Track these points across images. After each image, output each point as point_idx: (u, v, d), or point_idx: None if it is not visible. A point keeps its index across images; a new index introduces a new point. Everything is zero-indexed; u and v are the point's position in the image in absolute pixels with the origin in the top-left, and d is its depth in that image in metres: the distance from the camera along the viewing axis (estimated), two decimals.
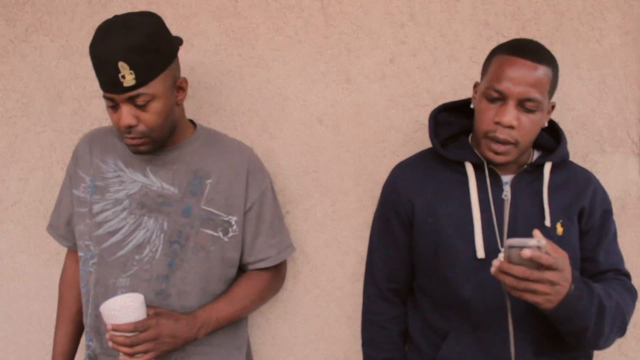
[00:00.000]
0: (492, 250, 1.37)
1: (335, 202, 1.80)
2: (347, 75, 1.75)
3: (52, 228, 1.69)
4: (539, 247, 1.12)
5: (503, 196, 1.40)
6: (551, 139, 1.48)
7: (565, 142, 1.46)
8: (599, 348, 1.33)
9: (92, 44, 1.35)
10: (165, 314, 1.42)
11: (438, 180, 1.46)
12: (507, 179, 1.42)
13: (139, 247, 1.48)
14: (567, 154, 1.45)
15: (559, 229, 1.38)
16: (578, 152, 1.68)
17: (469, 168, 1.42)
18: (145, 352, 1.37)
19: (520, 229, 1.37)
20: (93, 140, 1.58)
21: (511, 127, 1.30)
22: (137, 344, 1.35)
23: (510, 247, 1.15)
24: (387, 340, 1.54)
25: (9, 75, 1.94)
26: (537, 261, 1.12)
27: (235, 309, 1.55)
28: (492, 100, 1.33)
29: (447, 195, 1.43)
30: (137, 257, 1.48)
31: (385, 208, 1.53)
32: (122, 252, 1.48)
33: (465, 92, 1.69)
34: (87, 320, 1.54)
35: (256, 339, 1.88)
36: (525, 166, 1.41)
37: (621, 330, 1.34)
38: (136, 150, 1.43)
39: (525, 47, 1.32)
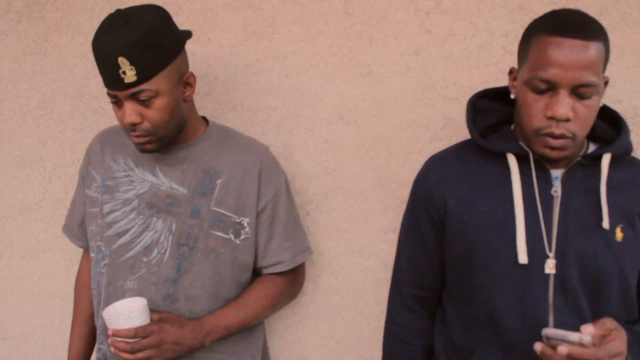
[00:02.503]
0: (537, 255, 1.19)
1: (356, 203, 1.70)
2: (369, 68, 1.65)
3: (67, 228, 1.68)
4: (581, 344, 1.00)
5: (552, 192, 1.21)
6: (609, 128, 1.28)
7: (628, 132, 1.25)
8: None
9: (93, 39, 1.32)
10: (170, 319, 1.37)
11: (476, 174, 1.29)
12: (557, 173, 1.23)
13: (147, 249, 1.44)
14: (630, 146, 1.25)
15: (619, 234, 1.19)
16: None
17: (512, 160, 1.24)
18: (148, 358, 1.32)
19: (572, 232, 1.20)
20: (105, 139, 1.56)
21: (567, 120, 1.12)
22: (139, 350, 1.30)
23: (547, 337, 1.04)
24: (408, 354, 1.42)
25: (32, 74, 1.94)
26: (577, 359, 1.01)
27: (245, 316, 1.48)
28: (539, 91, 1.15)
29: (485, 190, 1.26)
30: (145, 259, 1.44)
31: (415, 204, 1.38)
32: (130, 254, 1.45)
33: (498, 85, 1.55)
34: (98, 323, 1.51)
35: (275, 345, 1.81)
36: (579, 158, 1.21)
37: None
38: (143, 149, 1.39)
39: (570, 22, 1.12)
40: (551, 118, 1.13)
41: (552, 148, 1.16)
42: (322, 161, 1.71)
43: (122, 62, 1.27)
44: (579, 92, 1.11)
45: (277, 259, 1.52)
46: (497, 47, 1.56)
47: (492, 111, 1.33)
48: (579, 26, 1.11)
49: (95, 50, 1.31)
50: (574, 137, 1.14)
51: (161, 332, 1.33)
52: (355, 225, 1.71)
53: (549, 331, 1.04)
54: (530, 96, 1.16)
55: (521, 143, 1.25)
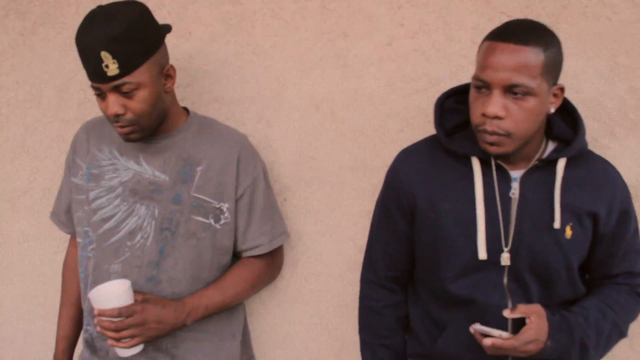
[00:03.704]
0: (495, 251, 1.30)
1: (333, 189, 1.76)
2: (344, 60, 1.71)
3: (54, 215, 1.74)
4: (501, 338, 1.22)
5: (510, 194, 1.31)
6: (569, 129, 1.35)
7: (584, 133, 1.33)
8: None
9: (77, 34, 1.37)
10: (152, 300, 1.43)
11: (443, 172, 1.37)
12: (517, 174, 1.32)
13: (131, 234, 1.50)
14: (584, 146, 1.33)
15: (568, 232, 1.30)
16: (587, 136, 1.58)
17: (475, 162, 1.33)
18: (131, 337, 1.38)
19: (527, 230, 1.30)
20: (90, 129, 1.61)
21: (497, 117, 1.20)
22: (123, 329, 1.37)
23: (476, 331, 1.25)
24: (383, 326, 1.51)
25: (20, 67, 1.99)
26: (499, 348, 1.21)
27: (225, 296, 1.55)
28: (479, 90, 1.23)
29: (450, 190, 1.35)
30: (129, 243, 1.50)
31: (387, 195, 1.47)
32: (115, 239, 1.51)
33: (466, 76, 1.62)
34: (85, 305, 1.59)
35: (255, 327, 1.88)
36: (536, 162, 1.30)
37: (621, 338, 1.36)
38: (127, 138, 1.44)
39: (510, 29, 1.21)
40: (484, 115, 1.21)
41: (490, 144, 1.24)
42: (299, 150, 1.78)
43: (105, 56, 1.33)
44: (512, 92, 1.19)
45: (255, 242, 1.59)
46: (466, 40, 1.62)
47: (458, 111, 1.40)
48: (517, 32, 1.19)
49: (78, 45, 1.36)
50: (508, 134, 1.21)
51: (144, 311, 1.39)
52: (331, 210, 1.77)
53: (477, 327, 1.25)
54: (474, 94, 1.26)
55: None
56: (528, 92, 1.19)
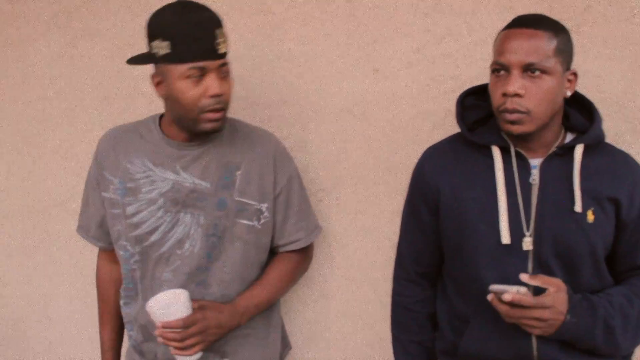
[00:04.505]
0: (517, 235, 1.36)
1: (367, 190, 1.84)
2: (374, 65, 1.79)
3: (82, 229, 1.72)
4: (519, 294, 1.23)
5: (530, 180, 1.37)
6: (585, 120, 1.43)
7: (600, 122, 1.41)
8: (622, 354, 1.39)
9: (182, 16, 1.37)
10: (209, 306, 1.48)
11: (465, 164, 1.45)
12: (536, 162, 1.39)
13: (180, 242, 1.53)
14: (601, 135, 1.40)
15: (590, 217, 1.35)
16: (610, 134, 1.64)
17: (496, 151, 1.40)
18: (195, 344, 1.43)
19: (548, 215, 1.36)
20: (115, 142, 1.58)
21: (517, 95, 1.28)
22: (187, 338, 1.41)
23: (494, 292, 1.26)
24: (414, 322, 1.58)
25: (63, 78, 2.09)
26: (517, 304, 1.22)
27: (271, 293, 1.62)
28: (498, 74, 1.33)
29: (473, 179, 1.42)
30: (178, 252, 1.53)
31: (413, 192, 1.55)
32: (164, 249, 1.53)
33: None
34: (130, 311, 1.63)
35: (293, 323, 1.97)
36: (555, 149, 1.37)
37: None
38: (213, 128, 1.44)
39: (522, 18, 1.33)
40: (505, 95, 1.30)
41: (511, 122, 1.31)
42: (334, 152, 1.86)
43: (219, 33, 1.40)
44: (529, 72, 1.28)
45: (293, 237, 1.65)
46: (491, 43, 1.69)
47: (478, 107, 1.49)
48: (529, 19, 1.32)
49: (188, 22, 1.36)
50: (528, 112, 1.29)
51: (205, 319, 1.44)
52: (365, 209, 1.85)
53: (494, 286, 1.27)
54: (492, 80, 1.35)
55: (504, 135, 1.40)
56: (544, 71, 1.28)
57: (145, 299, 1.53)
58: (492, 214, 1.38)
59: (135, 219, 1.54)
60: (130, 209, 1.54)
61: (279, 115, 1.88)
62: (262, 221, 1.58)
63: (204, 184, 1.53)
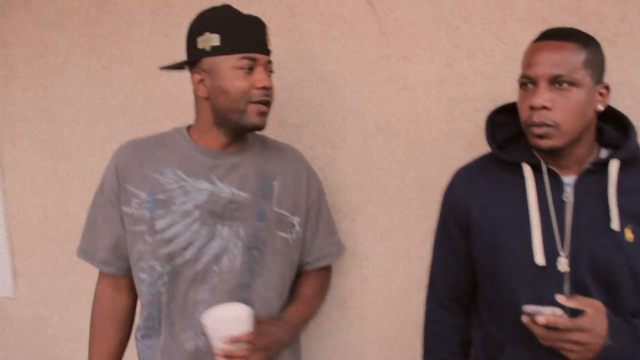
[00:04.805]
0: (551, 255, 1.31)
1: (400, 209, 1.81)
2: (405, 82, 1.76)
3: (86, 254, 1.56)
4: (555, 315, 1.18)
5: (564, 198, 1.33)
6: (620, 135, 1.38)
7: (635, 136, 1.35)
8: None
9: (231, 12, 1.42)
10: (266, 322, 1.44)
11: (496, 184, 1.41)
12: (569, 179, 1.34)
13: (216, 258, 1.44)
14: (637, 150, 1.34)
15: (629, 235, 1.29)
16: None
17: (526, 169, 1.36)
18: None
19: (584, 233, 1.30)
20: (138, 153, 1.49)
21: (545, 108, 1.25)
22: (255, 353, 1.37)
23: (528, 313, 1.21)
24: (445, 349, 1.54)
25: (97, 102, 2.12)
26: (553, 326, 1.16)
27: (311, 310, 1.62)
28: (525, 88, 1.30)
29: (504, 198, 1.39)
30: (215, 268, 1.45)
31: (444, 214, 1.52)
32: (199, 266, 1.44)
33: None
34: (161, 342, 1.50)
35: (326, 346, 1.94)
36: (589, 165, 1.32)
37: None
38: (258, 123, 1.43)
39: (551, 31, 1.31)
40: (532, 108, 1.27)
41: (539, 137, 1.28)
42: (366, 171, 1.84)
43: (266, 32, 1.45)
44: (557, 84, 1.25)
45: (324, 252, 1.64)
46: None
47: (508, 125, 1.45)
48: (557, 32, 1.29)
49: (237, 17, 1.40)
50: (556, 125, 1.26)
51: (268, 333, 1.41)
52: (398, 230, 1.82)
53: (528, 307, 1.21)
54: (521, 94, 1.33)
55: (535, 152, 1.36)
56: (572, 83, 1.25)
57: (172, 326, 1.46)
58: (525, 234, 1.33)
59: (167, 234, 1.44)
60: (161, 223, 1.44)
61: (309, 134, 1.87)
62: (293, 235, 1.55)
63: (243, 195, 1.47)
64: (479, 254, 1.43)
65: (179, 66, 1.50)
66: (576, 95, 1.25)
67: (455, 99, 1.72)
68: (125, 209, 1.48)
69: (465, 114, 1.72)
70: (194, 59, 1.43)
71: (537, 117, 1.27)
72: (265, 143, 1.60)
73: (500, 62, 1.67)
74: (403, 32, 1.75)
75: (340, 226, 1.86)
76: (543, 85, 1.26)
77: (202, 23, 1.42)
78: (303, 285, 1.63)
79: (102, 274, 1.59)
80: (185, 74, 1.89)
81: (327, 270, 1.68)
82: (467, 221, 1.45)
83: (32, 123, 2.28)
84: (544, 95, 1.25)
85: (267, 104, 1.43)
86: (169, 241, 1.44)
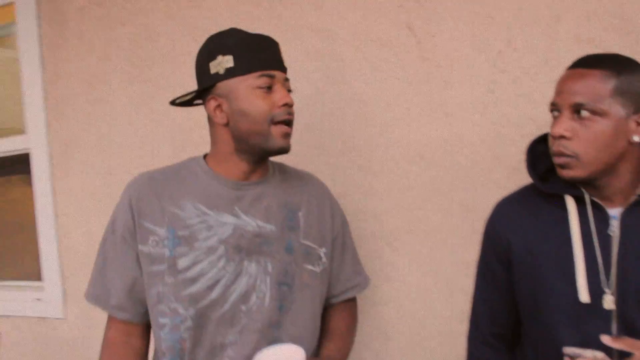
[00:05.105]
0: (597, 292, 1.23)
1: (440, 238, 1.75)
2: (446, 108, 1.71)
3: (98, 299, 1.42)
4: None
5: (609, 232, 1.24)
6: None
7: None
8: None
9: (242, 33, 1.37)
10: None
11: (538, 216, 1.34)
12: (615, 212, 1.26)
13: (244, 297, 1.34)
14: None
15: None
16: None
17: (569, 201, 1.29)
18: None
19: (632, 269, 1.21)
20: (154, 186, 1.38)
21: (562, 137, 1.21)
22: None
23: (568, 355, 1.15)
24: None
25: (143, 129, 2.16)
26: None
27: (348, 346, 1.55)
28: (553, 115, 1.26)
29: (546, 232, 1.31)
30: (244, 307, 1.34)
31: (486, 247, 1.45)
32: (227, 306, 1.34)
33: None
34: None
35: None
36: (636, 197, 1.24)
37: None
38: (284, 145, 1.36)
39: (583, 58, 1.25)
40: (553, 137, 1.23)
41: (561, 167, 1.23)
42: (406, 199, 1.79)
43: (279, 50, 1.39)
44: (579, 113, 1.19)
45: (352, 282, 1.56)
46: None
47: (549, 155, 1.37)
48: (588, 60, 1.24)
49: (249, 37, 1.34)
50: (575, 156, 1.20)
51: None
52: (439, 259, 1.76)
53: (568, 350, 1.16)
54: (551, 123, 1.28)
55: (579, 185, 1.28)
56: (596, 113, 1.18)
57: None
58: (569, 270, 1.25)
59: (191, 273, 1.33)
60: (184, 262, 1.33)
61: (348, 161, 1.84)
62: (320, 268, 1.46)
63: (269, 227, 1.39)
64: (521, 289, 1.36)
65: (192, 97, 1.44)
66: (600, 125, 1.18)
67: (498, 125, 1.66)
68: (141, 247, 1.35)
69: (509, 141, 1.65)
70: (208, 85, 1.36)
71: (557, 146, 1.23)
72: (285, 171, 1.52)
73: (547, 86, 1.60)
74: (444, 56, 1.70)
75: (380, 254, 1.82)
76: (565, 113, 1.22)
77: (213, 47, 1.36)
78: (334, 319, 1.55)
79: (112, 319, 1.43)
80: None
81: (354, 302, 1.60)
82: (508, 255, 1.38)
83: (83, 150, 2.34)
84: (563, 125, 1.21)
85: (290, 123, 1.36)
86: (193, 281, 1.33)
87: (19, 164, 2.55)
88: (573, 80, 1.22)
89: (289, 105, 1.34)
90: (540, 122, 1.61)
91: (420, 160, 1.76)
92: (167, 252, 1.34)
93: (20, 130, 2.57)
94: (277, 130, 1.34)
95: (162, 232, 1.35)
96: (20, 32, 2.47)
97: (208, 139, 2.02)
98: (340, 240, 1.53)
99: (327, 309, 1.56)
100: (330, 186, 1.84)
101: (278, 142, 1.34)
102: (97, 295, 1.41)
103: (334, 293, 1.54)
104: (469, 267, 1.71)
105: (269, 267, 1.37)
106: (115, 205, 1.43)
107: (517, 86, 1.63)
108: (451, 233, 1.74)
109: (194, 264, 1.33)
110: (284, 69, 1.37)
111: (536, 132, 1.61)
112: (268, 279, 1.37)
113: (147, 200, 1.36)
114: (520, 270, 1.35)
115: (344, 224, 1.56)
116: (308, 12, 1.87)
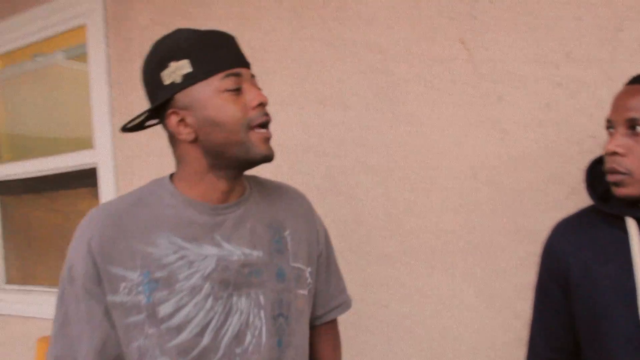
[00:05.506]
0: None
1: (494, 260, 1.68)
2: (501, 124, 1.64)
3: None
4: None
5: None
6: None
7: None
8: None
9: (194, 32, 1.17)
10: None
11: (598, 239, 1.27)
12: None
13: (238, 337, 1.17)
14: None
15: None
16: None
17: (631, 223, 1.21)
18: None
19: None
20: (118, 223, 1.16)
21: (615, 153, 1.17)
22: None
23: None
24: None
25: None
26: None
27: None
28: (609, 132, 1.22)
29: (606, 255, 1.24)
30: (238, 350, 1.17)
31: (543, 270, 1.39)
32: (220, 353, 1.16)
33: None
34: None
35: None
36: None
37: None
38: (267, 152, 1.17)
39: None
40: (607, 154, 1.20)
41: (614, 184, 1.19)
42: (459, 218, 1.73)
43: (239, 44, 1.21)
44: (633, 128, 1.16)
45: (338, 300, 1.41)
46: None
47: None
48: None
49: (204, 36, 1.16)
50: (629, 173, 1.16)
51: None
52: (493, 281, 1.69)
53: None
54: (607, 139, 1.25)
55: None
56: None
57: None
58: (630, 295, 1.18)
59: (176, 320, 1.13)
60: (165, 308, 1.13)
61: (399, 180, 1.80)
62: (307, 289, 1.30)
63: (256, 254, 1.21)
64: (579, 314, 1.29)
65: (145, 118, 1.25)
66: None
67: (555, 142, 1.58)
68: (111, 298, 1.13)
69: (568, 159, 1.57)
70: (165, 98, 1.15)
71: (610, 163, 1.19)
72: (262, 185, 1.33)
73: (607, 101, 1.50)
74: (498, 71, 1.64)
75: (432, 275, 1.77)
76: (620, 130, 1.18)
77: (162, 54, 1.15)
78: (321, 344, 1.41)
79: None
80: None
81: (335, 323, 1.44)
82: (567, 280, 1.31)
83: (147, 163, 2.41)
84: (617, 141, 1.18)
85: (268, 125, 1.17)
86: (179, 329, 1.13)
87: (87, 178, 2.66)
88: (628, 96, 1.18)
89: (263, 105, 1.16)
90: (600, 139, 1.52)
91: (474, 179, 1.69)
92: (143, 299, 1.13)
93: (86, 140, 2.68)
94: (256, 136, 1.15)
95: (134, 276, 1.13)
96: (90, 51, 2.59)
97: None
98: (324, 256, 1.37)
99: (309, 332, 1.38)
100: (381, 205, 1.82)
101: (260, 149, 1.15)
102: (60, 356, 1.16)
103: (317, 314, 1.38)
104: (524, 290, 1.63)
105: (262, 300, 1.20)
106: (69, 248, 1.18)
107: (576, 101, 1.55)
108: (506, 255, 1.67)
109: (178, 309, 1.14)
110: (248, 65, 1.19)
111: (596, 150, 1.53)
112: (262, 313, 1.20)
113: (111, 241, 1.14)
114: (579, 294, 1.28)
115: (327, 237, 1.40)
116: (359, 28, 1.85)
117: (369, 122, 1.84)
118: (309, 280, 1.30)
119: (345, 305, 1.43)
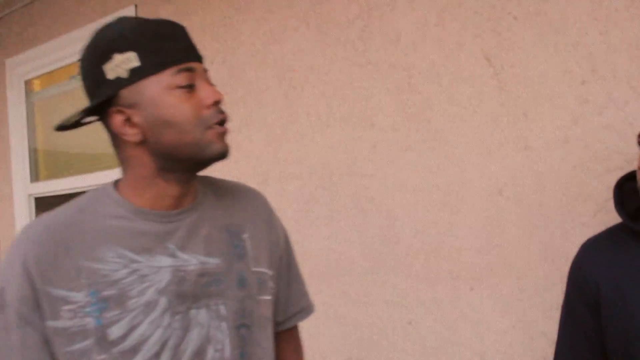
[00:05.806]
0: None
1: (521, 279, 1.65)
2: (526, 142, 1.63)
3: None
4: None
5: None
6: None
7: None
8: None
9: (140, 22, 1.07)
10: None
11: (628, 258, 1.24)
12: None
13: (199, 354, 1.07)
14: None
15: None
16: None
17: None
18: None
19: None
20: (58, 238, 1.03)
21: None
22: None
23: None
24: None
25: (230, 164, 2.23)
26: None
27: None
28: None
29: (638, 275, 1.21)
30: None
31: (571, 290, 1.36)
32: None
33: None
34: None
35: None
36: None
37: None
38: (224, 150, 1.09)
39: None
40: (639, 169, 1.15)
41: None
42: (485, 237, 1.71)
43: (190, 36, 1.10)
44: None
45: (300, 306, 1.31)
46: None
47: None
48: None
49: (152, 26, 1.05)
50: None
51: None
52: (520, 301, 1.66)
53: None
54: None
55: None
56: None
57: None
58: None
59: (129, 342, 1.02)
60: (117, 330, 1.02)
61: (425, 198, 1.80)
62: (270, 294, 1.21)
63: (214, 261, 1.11)
64: (610, 336, 1.25)
65: (83, 114, 1.11)
66: None
67: (582, 159, 1.55)
68: (51, 323, 1.00)
69: (596, 176, 1.54)
70: (108, 95, 1.04)
71: None
72: (217, 185, 1.23)
73: (635, 116, 1.48)
74: (523, 87, 1.63)
75: (457, 294, 1.75)
76: None
77: (104, 45, 1.03)
78: (284, 353, 1.30)
79: None
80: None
81: (297, 329, 1.34)
82: (596, 299, 1.27)
83: None
84: None
85: (224, 123, 1.09)
86: (133, 351, 1.02)
87: None
88: None
89: (218, 103, 1.07)
90: (628, 156, 1.49)
91: (500, 196, 1.68)
92: (91, 321, 1.01)
93: (108, 156, 2.73)
94: (213, 133, 1.05)
95: (79, 297, 1.01)
96: None
97: (285, 174, 2.07)
98: (285, 258, 1.27)
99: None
100: (407, 222, 1.82)
101: (217, 146, 1.06)
102: None
103: (279, 320, 1.27)
104: (550, 309, 1.61)
105: (222, 310, 1.10)
106: None
107: (603, 117, 1.52)
108: (532, 273, 1.64)
109: (131, 329, 1.02)
110: (201, 59, 1.09)
111: (624, 167, 1.50)
112: (224, 325, 1.10)
113: (51, 258, 1.01)
114: (609, 315, 1.24)
115: (287, 238, 1.30)
116: (384, 47, 1.87)
117: (395, 142, 1.85)
118: (271, 284, 1.20)
119: (307, 310, 1.32)
